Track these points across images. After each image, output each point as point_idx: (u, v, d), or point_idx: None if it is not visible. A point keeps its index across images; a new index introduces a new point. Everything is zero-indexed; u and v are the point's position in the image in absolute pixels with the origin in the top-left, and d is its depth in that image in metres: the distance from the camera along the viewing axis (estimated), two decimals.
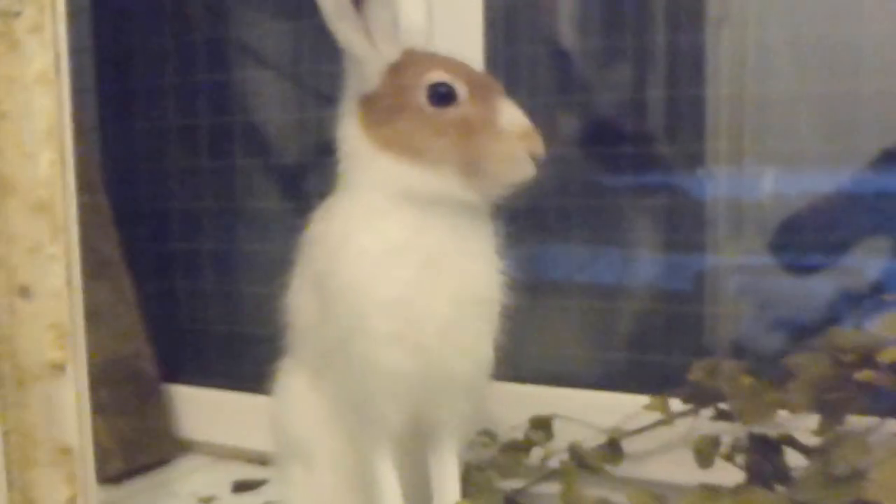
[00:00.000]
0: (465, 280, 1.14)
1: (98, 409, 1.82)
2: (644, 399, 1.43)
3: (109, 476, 1.85)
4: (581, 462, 1.34)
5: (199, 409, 2.07)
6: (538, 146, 1.12)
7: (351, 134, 1.17)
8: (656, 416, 1.39)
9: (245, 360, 2.12)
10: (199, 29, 2.19)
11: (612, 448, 1.36)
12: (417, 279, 1.11)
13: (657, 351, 1.70)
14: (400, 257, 1.11)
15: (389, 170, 1.12)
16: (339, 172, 1.20)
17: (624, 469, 1.45)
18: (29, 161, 1.00)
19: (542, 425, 1.45)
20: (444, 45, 1.25)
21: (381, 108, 1.14)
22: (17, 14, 0.97)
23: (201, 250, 2.21)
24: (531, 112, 1.14)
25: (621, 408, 1.48)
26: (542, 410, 1.51)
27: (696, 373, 1.26)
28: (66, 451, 1.04)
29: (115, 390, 1.92)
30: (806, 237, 1.59)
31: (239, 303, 2.17)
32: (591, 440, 1.43)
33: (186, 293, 2.24)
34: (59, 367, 1.03)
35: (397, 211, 1.13)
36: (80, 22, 2.28)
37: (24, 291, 1.00)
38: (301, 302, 1.27)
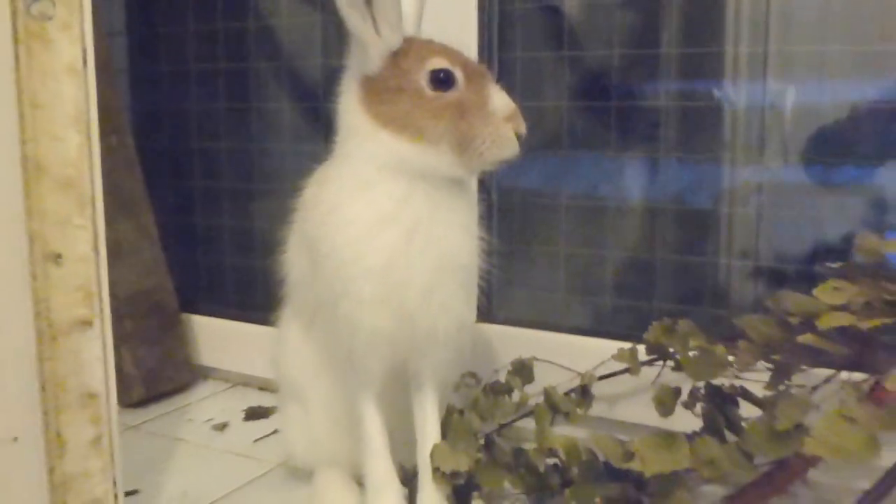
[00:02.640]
0: (445, 248, 1.27)
1: (122, 339, 2.01)
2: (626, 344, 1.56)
3: (133, 401, 2.02)
4: (553, 406, 1.48)
5: (216, 338, 2.23)
6: (522, 126, 1.25)
7: (351, 109, 1.28)
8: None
9: (257, 292, 2.27)
10: None
11: (583, 393, 1.50)
12: (401, 247, 1.24)
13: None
14: (386, 226, 1.24)
15: (387, 144, 1.24)
16: (335, 142, 1.33)
17: (598, 410, 1.59)
18: (59, 143, 1.12)
19: (523, 369, 1.59)
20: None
21: (383, 89, 1.25)
22: (51, 18, 1.09)
23: (219, 189, 2.34)
24: None
25: (602, 352, 1.60)
26: (529, 352, 1.64)
27: (653, 332, 1.39)
28: (92, 396, 1.19)
29: (139, 322, 2.08)
30: (843, 148, 1.61)
31: (253, 239, 2.31)
32: (570, 383, 1.57)
33: (204, 229, 2.38)
34: (86, 323, 1.17)
35: (386, 182, 1.25)
36: None
37: (56, 258, 1.13)
38: (295, 259, 1.41)
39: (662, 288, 1.80)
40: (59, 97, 1.11)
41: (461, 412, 1.44)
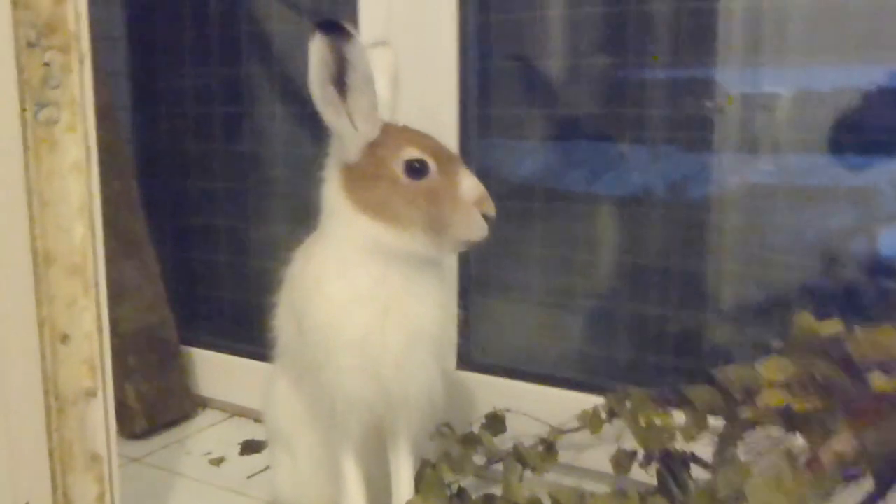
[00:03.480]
0: (417, 322, 1.38)
1: (126, 374, 2.13)
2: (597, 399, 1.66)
3: (136, 433, 2.15)
4: (521, 459, 1.60)
5: (214, 370, 2.35)
6: (491, 208, 1.35)
7: (333, 194, 1.38)
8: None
9: (254, 326, 2.39)
10: (217, 25, 2.39)
11: (548, 448, 1.62)
12: (377, 322, 1.35)
13: None
14: (363, 303, 1.35)
15: (365, 228, 1.34)
16: (320, 223, 1.44)
17: (566, 457, 1.71)
18: (65, 234, 1.24)
19: (495, 421, 1.71)
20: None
21: (361, 177, 1.35)
22: (57, 121, 1.21)
23: (217, 227, 2.46)
24: None
25: (573, 403, 1.70)
26: (503, 401, 1.76)
27: (608, 402, 1.51)
28: (96, 458, 1.31)
29: (142, 357, 2.19)
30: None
31: (250, 275, 2.43)
32: (541, 429, 1.69)
33: (203, 266, 2.50)
34: (91, 394, 1.30)
35: (364, 262, 1.35)
36: (114, 17, 2.51)
37: (65, 338, 1.25)
38: (283, 325, 1.52)
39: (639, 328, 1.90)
40: (65, 193, 1.23)
41: (433, 466, 1.55)
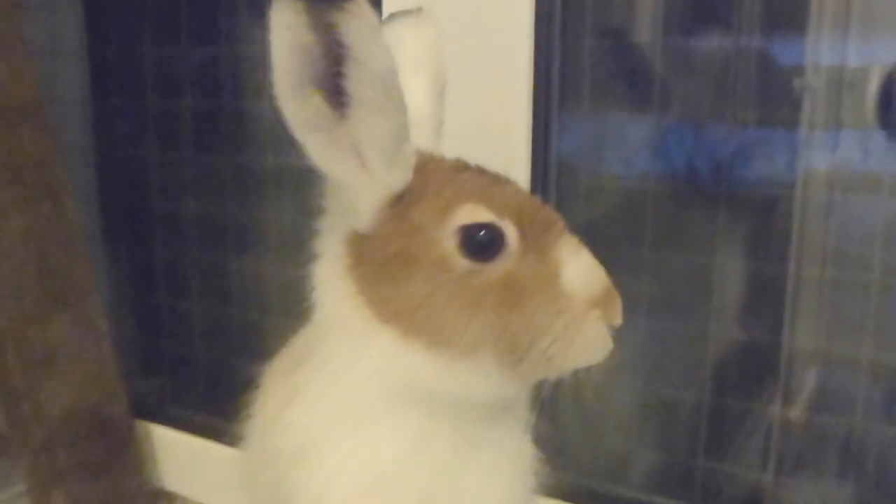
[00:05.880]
0: None
1: (54, 477, 1.56)
2: None
3: None
4: None
5: (183, 457, 1.78)
6: (617, 312, 0.76)
7: (334, 287, 0.79)
8: None
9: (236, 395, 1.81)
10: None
11: None
12: None
13: None
14: (391, 489, 0.77)
15: (391, 354, 0.75)
16: (314, 327, 0.83)
17: None
18: None
19: None
20: None
21: (382, 258, 0.76)
22: None
23: (189, 262, 1.88)
24: None
25: None
26: None
27: None
28: None
29: (78, 450, 1.63)
30: None
31: (231, 327, 1.85)
32: None
33: (171, 314, 1.92)
34: None
35: (392, 414, 0.78)
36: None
37: None
38: (256, 483, 0.93)
39: None
40: None
41: None
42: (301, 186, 1.66)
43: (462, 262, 0.73)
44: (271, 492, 0.88)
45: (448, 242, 0.73)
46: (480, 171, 0.79)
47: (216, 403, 1.84)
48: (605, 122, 1.45)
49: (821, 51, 1.32)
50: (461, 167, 0.79)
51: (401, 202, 0.75)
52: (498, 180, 0.78)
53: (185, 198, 1.84)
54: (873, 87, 1.28)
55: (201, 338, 1.90)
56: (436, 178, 0.76)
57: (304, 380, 0.82)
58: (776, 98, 1.34)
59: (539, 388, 0.83)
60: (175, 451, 1.78)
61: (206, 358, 1.89)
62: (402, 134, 0.72)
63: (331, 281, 0.78)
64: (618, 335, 0.77)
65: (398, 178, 0.75)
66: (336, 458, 0.78)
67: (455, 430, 0.78)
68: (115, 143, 1.97)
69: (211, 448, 1.72)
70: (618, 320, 0.76)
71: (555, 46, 1.33)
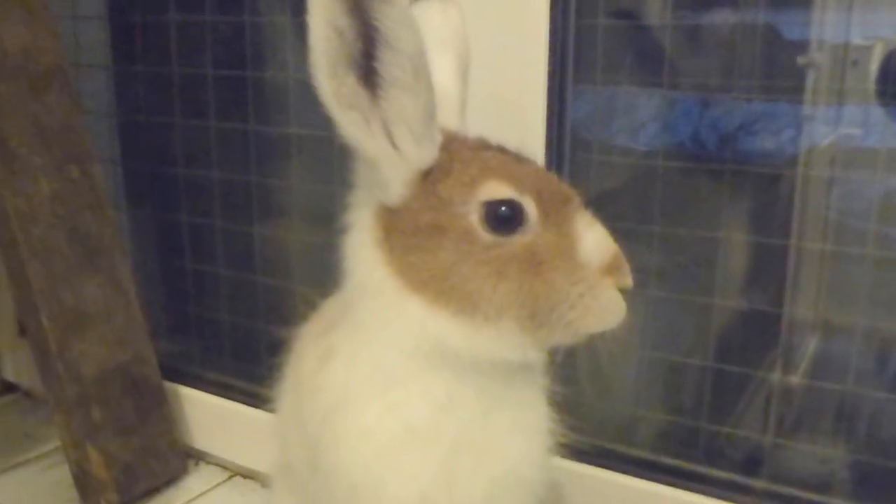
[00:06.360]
0: (504, 466, 0.87)
1: (89, 433, 1.62)
2: None
3: None
4: None
5: (211, 417, 1.83)
6: (628, 278, 0.82)
7: (365, 258, 0.84)
8: None
9: (262, 357, 1.86)
10: None
11: None
12: (441, 472, 0.84)
13: None
14: (419, 443, 0.83)
15: (420, 320, 0.81)
16: (345, 296, 0.89)
17: None
18: None
19: None
20: None
21: (412, 230, 0.81)
22: None
23: (214, 228, 1.92)
24: None
25: None
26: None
27: None
28: None
29: (111, 407, 1.68)
30: None
31: (257, 291, 1.89)
32: None
33: (196, 279, 1.96)
34: None
35: (420, 376, 0.83)
36: None
37: None
38: (288, 444, 1.01)
39: None
40: None
41: None
42: (322, 154, 1.71)
43: (486, 235, 0.79)
44: (303, 450, 0.94)
45: (473, 216, 0.79)
46: (502, 150, 0.84)
47: (240, 366, 1.90)
48: (617, 97, 1.48)
49: (825, 27, 1.34)
50: (484, 145, 0.84)
51: (428, 178, 0.81)
52: (519, 159, 0.84)
53: (209, 164, 1.87)
54: (875, 63, 1.29)
55: (225, 302, 1.93)
56: (461, 156, 0.82)
57: (338, 343, 0.88)
58: (781, 73, 1.36)
59: (554, 353, 0.89)
60: (203, 412, 1.82)
61: (230, 322, 1.93)
62: (429, 113, 0.77)
63: (362, 252, 0.84)
64: (627, 303, 0.83)
65: (426, 154, 0.80)
66: (369, 416, 0.83)
67: (479, 390, 0.83)
68: (137, 109, 1.99)
69: (237, 408, 1.77)
70: (629, 283, 0.81)
71: (569, 26, 1.36)
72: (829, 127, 1.36)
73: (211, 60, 1.82)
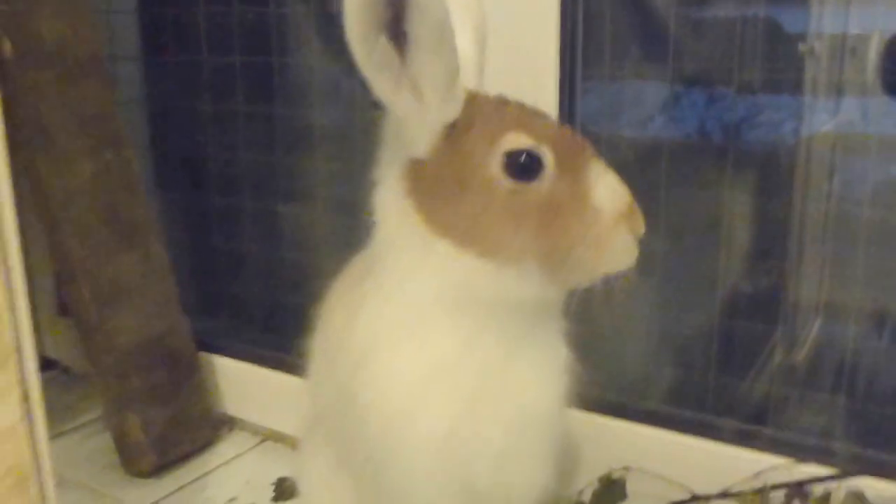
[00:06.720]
0: (524, 401, 0.93)
1: (128, 400, 1.70)
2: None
3: (143, 472, 1.73)
4: None
5: (241, 384, 1.91)
6: (640, 224, 0.88)
7: (393, 208, 0.91)
8: None
9: (289, 328, 1.94)
10: None
11: None
12: (466, 408, 0.90)
13: None
14: (447, 381, 0.90)
15: (447, 263, 0.88)
16: (373, 247, 0.96)
17: None
18: None
19: (614, 487, 1.25)
20: None
21: (438, 180, 0.88)
22: None
23: (242, 207, 2.00)
24: None
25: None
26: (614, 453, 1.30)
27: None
28: None
29: (147, 376, 1.76)
30: None
31: (283, 265, 1.97)
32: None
33: (226, 255, 2.05)
34: (16, 478, 0.85)
35: (447, 317, 0.90)
36: None
37: None
38: (321, 390, 1.07)
39: None
40: None
41: None
42: (344, 138, 1.80)
43: (507, 183, 0.85)
44: (336, 397, 1.00)
45: (494, 166, 0.85)
46: (520, 105, 0.90)
47: (267, 336, 1.98)
48: (624, 87, 1.54)
49: (824, 18, 1.39)
50: (504, 101, 0.91)
51: (453, 132, 0.87)
52: (536, 112, 0.90)
53: (237, 149, 1.95)
54: (873, 53, 1.33)
55: (253, 277, 2.01)
56: (482, 111, 0.88)
57: (368, 293, 0.94)
58: (782, 63, 1.41)
59: (571, 297, 0.94)
60: (234, 380, 1.90)
61: (257, 295, 2.01)
62: (453, 72, 0.84)
63: (391, 203, 0.90)
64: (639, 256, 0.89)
65: (451, 109, 0.86)
66: (398, 357, 0.90)
67: (502, 331, 0.90)
68: (167, 96, 2.08)
69: (266, 374, 1.85)
70: (641, 229, 0.87)
71: (578, 19, 1.42)
72: (827, 115, 1.41)
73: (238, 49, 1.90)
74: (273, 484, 1.68)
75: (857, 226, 1.37)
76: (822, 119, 1.41)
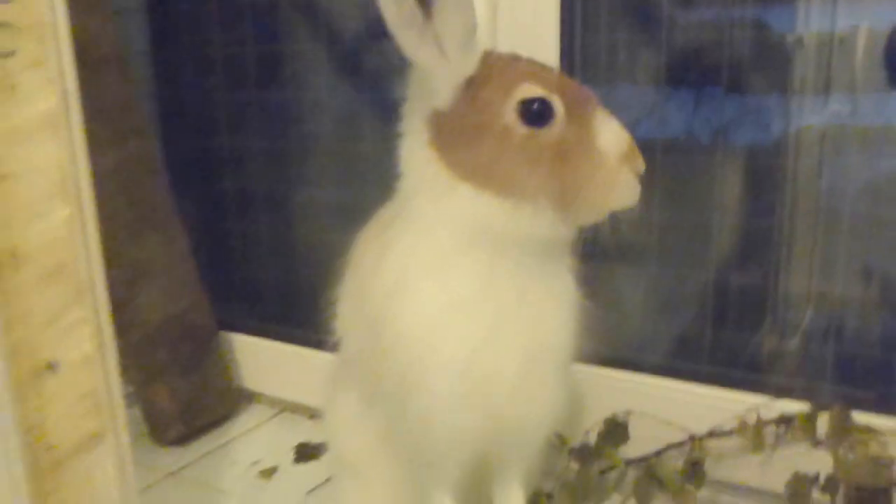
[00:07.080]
0: (538, 330, 1.02)
1: (156, 372, 1.79)
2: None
3: (171, 440, 1.83)
4: (658, 481, 1.24)
5: (259, 359, 2.00)
6: (640, 163, 0.98)
7: (418, 156, 1.00)
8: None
9: (303, 306, 2.04)
10: None
11: (694, 468, 1.25)
12: (485, 336, 0.99)
13: None
14: (466, 312, 0.99)
15: (467, 203, 0.97)
16: (398, 195, 1.06)
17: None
18: (40, 221, 0.88)
19: (616, 429, 1.35)
20: None
21: (459, 129, 0.97)
22: (11, 53, 0.83)
23: (256, 190, 2.10)
24: None
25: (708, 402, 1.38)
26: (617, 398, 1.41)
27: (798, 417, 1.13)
28: None
29: (173, 349, 1.85)
30: None
31: (297, 246, 2.07)
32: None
33: (242, 237, 2.14)
34: (97, 438, 0.95)
35: (467, 253, 0.99)
36: None
37: (51, 366, 0.90)
38: (349, 329, 1.16)
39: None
40: (33, 161, 0.86)
41: (548, 496, 1.20)
42: (353, 122, 1.90)
43: (522, 129, 0.95)
44: (364, 336, 1.09)
45: (510, 113, 0.95)
46: (531, 60, 1.00)
47: (283, 313, 2.08)
48: (617, 90, 1.61)
49: (811, 16, 1.44)
50: (516, 57, 1.01)
51: (472, 84, 0.97)
52: (545, 66, 1.00)
53: (249, 135, 2.05)
54: (860, 50, 1.39)
55: (268, 258, 2.11)
56: (498, 65, 0.98)
57: (394, 237, 1.03)
58: (771, 62, 1.47)
59: (580, 237, 1.03)
60: (253, 354, 2.00)
61: (273, 274, 2.11)
62: (472, 28, 0.94)
63: (416, 152, 1.00)
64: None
65: (470, 63, 0.96)
66: (423, 292, 0.99)
67: (517, 265, 0.99)
68: (179, 88, 2.17)
69: (282, 348, 1.95)
70: (641, 167, 0.97)
71: (576, 30, 1.51)
72: (815, 111, 1.46)
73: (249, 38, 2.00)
74: (294, 448, 1.77)
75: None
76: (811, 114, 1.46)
